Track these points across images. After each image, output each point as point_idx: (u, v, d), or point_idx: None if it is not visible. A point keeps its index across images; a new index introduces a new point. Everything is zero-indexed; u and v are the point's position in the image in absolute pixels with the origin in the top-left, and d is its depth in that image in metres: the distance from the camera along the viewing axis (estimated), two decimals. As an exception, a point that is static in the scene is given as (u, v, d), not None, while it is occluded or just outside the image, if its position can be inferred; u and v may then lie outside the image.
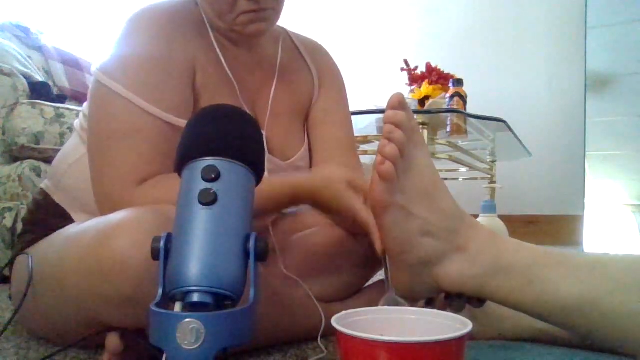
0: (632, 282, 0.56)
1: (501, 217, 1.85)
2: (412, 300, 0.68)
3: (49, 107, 1.63)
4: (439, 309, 0.67)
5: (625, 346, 0.57)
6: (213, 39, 0.82)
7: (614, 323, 0.56)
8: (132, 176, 0.71)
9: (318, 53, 0.99)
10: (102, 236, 0.59)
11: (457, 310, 0.67)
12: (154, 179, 0.72)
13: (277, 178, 0.77)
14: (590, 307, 0.57)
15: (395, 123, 0.61)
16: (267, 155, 0.83)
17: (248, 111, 0.82)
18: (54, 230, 0.76)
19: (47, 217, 0.84)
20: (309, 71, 0.95)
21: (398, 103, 0.62)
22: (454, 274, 0.63)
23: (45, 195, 0.86)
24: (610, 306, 0.56)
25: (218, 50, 0.81)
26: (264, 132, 0.84)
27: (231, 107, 0.53)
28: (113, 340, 0.60)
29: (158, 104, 0.73)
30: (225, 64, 0.81)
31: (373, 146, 2.02)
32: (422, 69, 2.11)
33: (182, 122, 0.73)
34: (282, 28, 0.96)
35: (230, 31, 0.81)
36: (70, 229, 0.73)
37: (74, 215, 0.83)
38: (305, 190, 0.76)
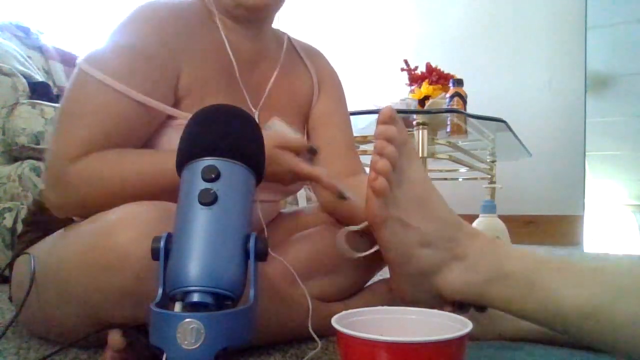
0: (633, 289, 0.55)
1: (501, 217, 1.85)
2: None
3: (49, 107, 1.63)
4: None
5: (629, 354, 0.56)
6: (222, 30, 0.82)
7: (616, 331, 0.55)
8: (78, 150, 0.68)
9: (317, 58, 1.01)
10: (104, 230, 0.59)
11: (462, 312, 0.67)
12: (102, 151, 0.69)
13: None
14: (592, 315, 0.56)
15: (386, 138, 0.62)
16: None
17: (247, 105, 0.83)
18: (54, 230, 0.77)
19: (48, 216, 0.84)
20: (309, 74, 0.97)
21: (389, 117, 0.63)
22: (454, 283, 0.63)
23: (46, 195, 0.86)
24: (611, 314, 0.55)
25: (226, 41, 0.82)
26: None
27: (231, 107, 0.53)
28: (115, 337, 0.60)
29: (130, 84, 0.71)
30: (232, 57, 0.82)
31: (373, 146, 2.01)
32: (422, 69, 2.11)
33: (150, 102, 0.72)
34: (284, 32, 0.98)
35: (236, 7, 0.81)
36: (71, 227, 0.73)
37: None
38: None
